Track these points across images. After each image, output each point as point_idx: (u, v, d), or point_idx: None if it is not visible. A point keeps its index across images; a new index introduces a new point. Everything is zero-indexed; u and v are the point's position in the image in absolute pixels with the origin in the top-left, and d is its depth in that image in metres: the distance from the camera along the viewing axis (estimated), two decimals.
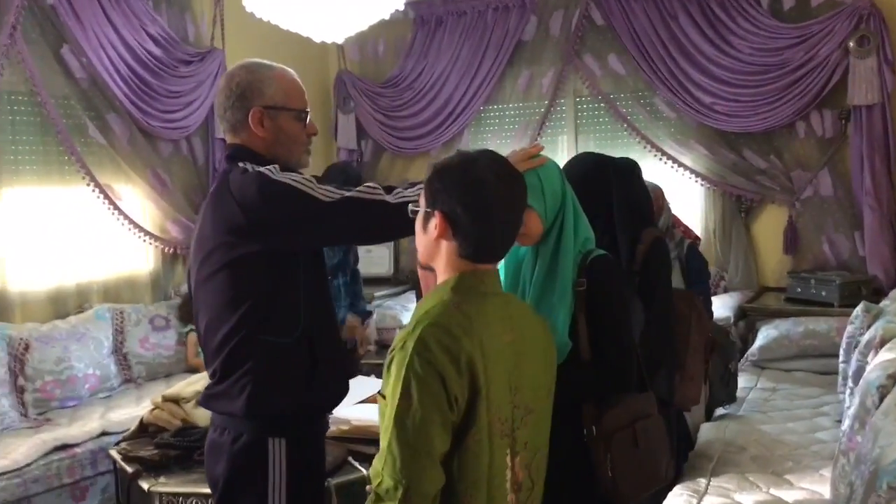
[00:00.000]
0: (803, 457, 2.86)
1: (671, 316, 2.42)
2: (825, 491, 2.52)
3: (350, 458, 2.58)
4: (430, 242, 1.53)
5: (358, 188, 1.79)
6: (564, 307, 1.94)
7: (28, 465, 3.23)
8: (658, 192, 3.24)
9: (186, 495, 2.46)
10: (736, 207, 4.90)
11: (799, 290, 4.42)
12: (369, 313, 4.18)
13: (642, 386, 2.19)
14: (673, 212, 3.44)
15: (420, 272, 3.86)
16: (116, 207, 4.36)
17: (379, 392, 1.46)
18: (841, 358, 3.31)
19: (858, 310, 3.25)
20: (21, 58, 3.87)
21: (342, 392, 1.94)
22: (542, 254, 2.01)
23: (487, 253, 1.52)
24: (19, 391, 3.71)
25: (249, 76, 1.86)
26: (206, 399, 1.87)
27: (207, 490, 2.42)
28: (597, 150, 5.27)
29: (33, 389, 3.76)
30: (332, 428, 2.49)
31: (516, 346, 1.51)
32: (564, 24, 5.22)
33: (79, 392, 3.93)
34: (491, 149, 1.60)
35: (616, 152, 5.20)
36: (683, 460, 2.87)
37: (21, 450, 3.27)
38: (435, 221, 1.50)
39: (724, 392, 3.26)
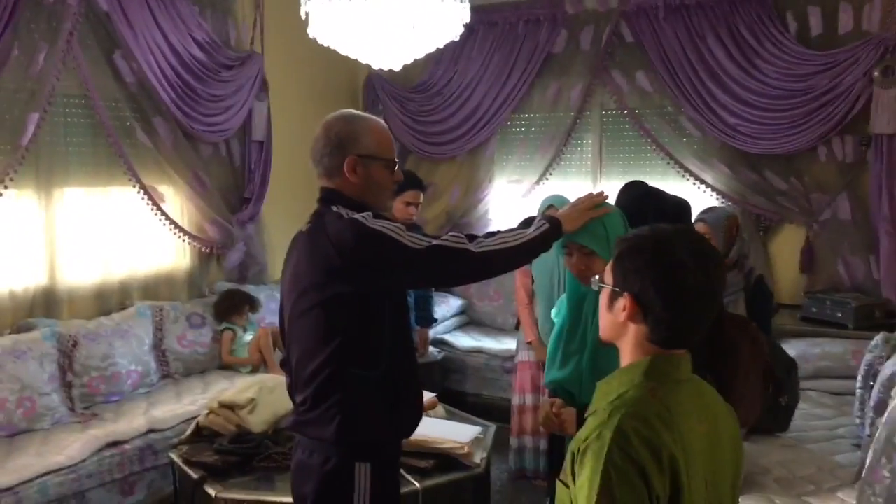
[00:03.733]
0: (823, 480, 3.02)
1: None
2: None
3: (402, 471, 2.73)
4: (616, 322, 1.45)
5: (443, 237, 1.94)
6: None
7: (83, 460, 3.38)
8: (732, 220, 3.33)
9: (251, 503, 2.61)
10: (755, 226, 5.05)
11: (814, 309, 4.58)
12: (434, 320, 4.64)
13: None
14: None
15: (521, 309, 4.07)
16: (159, 208, 4.50)
17: (559, 479, 1.40)
18: (858, 384, 3.47)
19: (878, 339, 3.41)
20: (76, 63, 3.99)
21: (419, 419, 2.10)
22: None
23: (681, 341, 1.42)
24: (67, 386, 3.86)
25: (347, 126, 2.00)
26: (297, 425, 2.02)
27: (271, 498, 2.62)
28: (622, 165, 5.50)
29: (80, 385, 3.91)
30: None
31: (711, 437, 1.39)
32: (594, 39, 5.35)
33: (122, 387, 4.07)
34: (684, 227, 1.50)
35: (639, 167, 5.47)
36: None
37: (76, 446, 3.42)
38: (623, 303, 1.41)
39: (769, 420, 3.38)
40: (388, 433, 2.01)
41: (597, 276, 1.57)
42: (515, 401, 4.15)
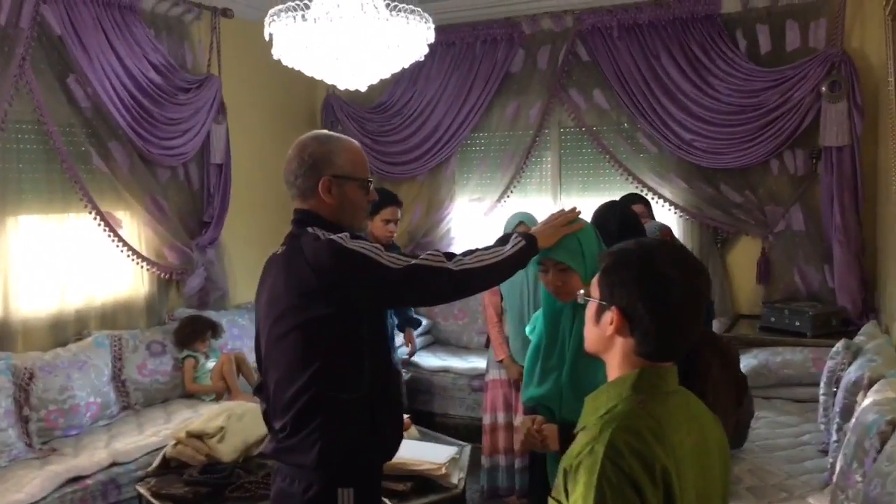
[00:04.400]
0: (794, 487, 3.08)
1: None
2: None
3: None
4: (602, 336, 1.45)
5: (421, 256, 1.93)
6: None
7: (44, 498, 3.26)
8: (665, 230, 3.40)
9: None
10: (712, 238, 5.15)
11: (773, 319, 4.67)
12: (419, 322, 4.81)
13: None
14: None
15: (491, 328, 4.09)
16: (116, 234, 4.40)
17: (551, 496, 1.39)
18: (822, 391, 3.55)
19: (840, 346, 3.50)
20: (29, 88, 3.90)
21: (400, 440, 2.07)
22: (580, 309, 2.15)
23: (668, 353, 1.42)
24: (24, 421, 3.73)
25: (321, 147, 1.99)
26: (276, 452, 1.98)
27: None
28: (581, 182, 5.57)
29: (37, 419, 3.78)
30: None
31: (700, 448, 1.39)
32: (551, 58, 5.42)
33: (80, 420, 3.95)
34: (663, 240, 1.52)
35: (598, 183, 5.55)
36: None
37: (35, 482, 3.30)
38: (610, 316, 1.41)
39: None
40: (371, 457, 1.98)
41: (581, 290, 1.58)
42: (487, 420, 4.13)
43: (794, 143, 4.83)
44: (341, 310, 1.89)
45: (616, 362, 1.45)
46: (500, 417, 4.07)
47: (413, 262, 1.90)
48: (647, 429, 1.32)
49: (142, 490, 2.88)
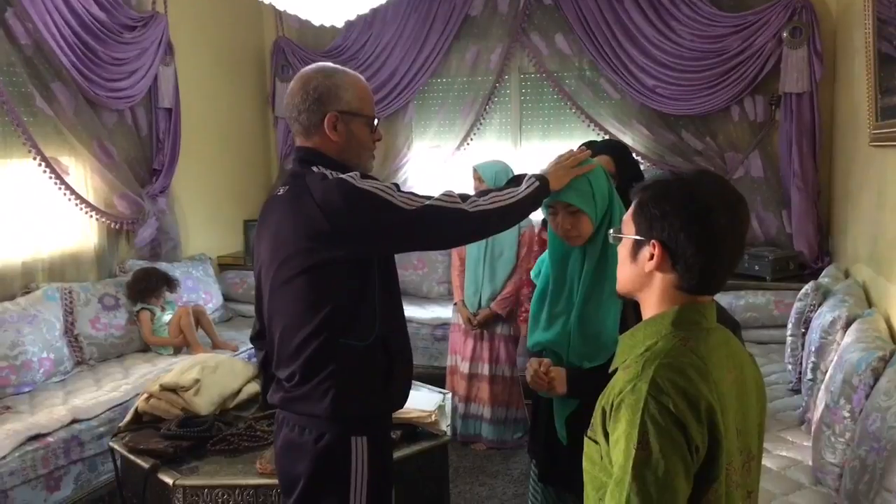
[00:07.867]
0: (770, 425, 3.13)
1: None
2: (801, 456, 2.80)
3: None
4: (640, 273, 1.39)
5: (436, 196, 1.83)
6: (615, 303, 2.05)
7: (3, 457, 3.09)
8: None
9: (213, 487, 2.45)
10: None
11: None
12: None
13: None
14: None
15: (453, 270, 4.08)
16: (63, 182, 4.14)
17: (587, 435, 1.36)
18: (789, 332, 3.62)
19: (808, 288, 3.56)
20: None
21: (409, 388, 2.00)
22: (590, 253, 2.10)
23: (710, 286, 1.38)
24: None
25: (327, 81, 1.86)
26: (285, 401, 1.88)
27: (236, 482, 2.46)
28: (542, 128, 5.51)
29: None
30: None
31: (738, 385, 1.37)
32: (512, 1, 5.30)
33: (34, 377, 3.76)
34: (705, 169, 1.46)
35: (559, 129, 5.49)
36: None
37: None
38: (649, 251, 1.36)
39: None
40: (384, 405, 1.91)
41: (611, 230, 1.52)
42: (448, 361, 4.23)
43: (754, 90, 4.86)
44: (352, 252, 1.79)
45: (654, 300, 1.40)
46: (459, 360, 4.15)
47: (427, 202, 1.81)
48: (690, 366, 1.29)
49: (116, 446, 2.73)
